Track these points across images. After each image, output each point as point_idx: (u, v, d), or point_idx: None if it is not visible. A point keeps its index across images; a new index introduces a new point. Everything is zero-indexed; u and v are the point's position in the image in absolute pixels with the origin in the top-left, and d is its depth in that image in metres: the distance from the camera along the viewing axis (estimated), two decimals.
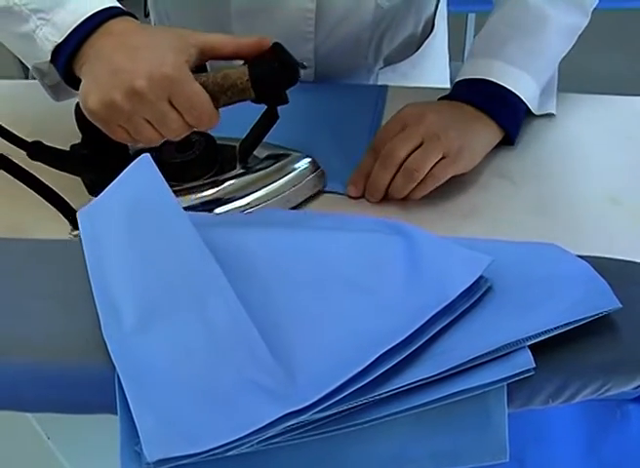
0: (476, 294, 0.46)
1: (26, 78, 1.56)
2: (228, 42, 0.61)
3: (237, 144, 0.70)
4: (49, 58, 0.62)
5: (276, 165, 0.69)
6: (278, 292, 0.48)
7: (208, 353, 0.45)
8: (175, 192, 0.66)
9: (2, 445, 0.72)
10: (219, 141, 0.69)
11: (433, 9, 0.96)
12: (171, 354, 0.45)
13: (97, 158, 0.65)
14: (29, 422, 0.66)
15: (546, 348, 0.46)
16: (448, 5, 1.00)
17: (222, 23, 0.84)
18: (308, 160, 0.70)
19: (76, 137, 0.68)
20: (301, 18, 0.82)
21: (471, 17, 1.92)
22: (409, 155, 0.70)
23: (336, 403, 0.42)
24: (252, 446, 0.42)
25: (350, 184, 0.73)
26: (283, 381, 0.43)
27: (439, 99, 0.79)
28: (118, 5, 0.63)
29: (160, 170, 0.68)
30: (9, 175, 0.62)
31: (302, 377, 0.43)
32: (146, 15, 1.72)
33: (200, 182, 0.67)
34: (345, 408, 0.43)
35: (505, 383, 0.45)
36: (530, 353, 0.45)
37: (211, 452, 0.41)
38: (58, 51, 0.61)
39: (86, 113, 0.59)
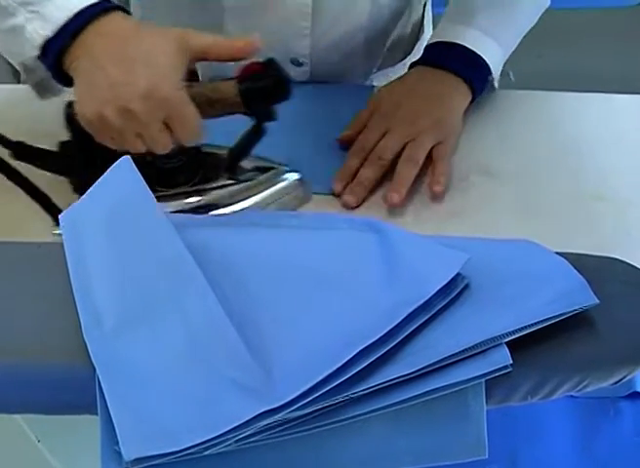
0: (453, 292, 0.47)
1: (18, 83, 1.57)
2: (222, 45, 0.60)
3: (223, 152, 0.70)
4: (38, 52, 0.60)
5: (261, 177, 0.70)
6: (256, 291, 0.48)
7: (186, 353, 0.45)
8: (161, 197, 0.66)
9: None
10: (206, 149, 0.69)
11: (421, 11, 0.97)
12: (150, 354, 0.46)
13: (84, 157, 0.65)
14: (19, 425, 0.66)
15: (524, 345, 0.46)
16: (434, 7, 1.00)
17: (215, 19, 0.83)
18: (295, 175, 0.71)
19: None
20: (298, 12, 0.82)
21: None
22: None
23: (313, 401, 0.43)
24: (229, 444, 0.42)
25: (336, 181, 0.73)
26: (260, 379, 0.43)
27: (413, 64, 0.82)
28: None
29: (147, 174, 0.69)
30: None
31: (280, 376, 0.44)
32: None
33: (185, 189, 0.68)
34: (323, 406, 0.43)
35: (483, 380, 0.45)
36: (507, 350, 0.45)
37: (188, 451, 0.41)
38: (47, 46, 0.60)
39: (80, 119, 0.59)
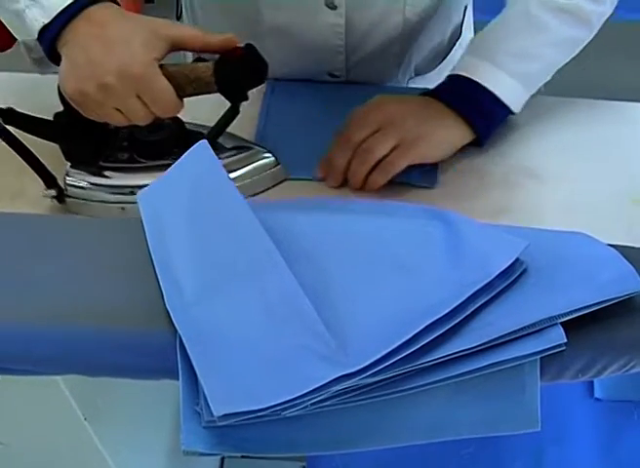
0: (513, 275, 0.50)
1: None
2: (197, 38, 0.66)
3: (204, 131, 0.74)
4: (36, 36, 0.67)
5: (239, 156, 0.74)
6: (329, 269, 0.52)
7: (265, 323, 0.49)
8: (142, 168, 0.72)
9: (41, 423, 0.75)
10: (190, 127, 0.74)
11: (461, 18, 1.00)
12: (230, 323, 0.49)
13: (76, 127, 0.70)
14: (69, 403, 0.69)
15: (577, 326, 0.49)
16: (476, 12, 1.02)
17: (256, 38, 0.88)
18: (269, 156, 0.75)
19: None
20: (331, 32, 0.86)
21: None
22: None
23: (384, 369, 0.46)
24: (306, 407, 0.46)
25: (317, 167, 0.76)
26: (335, 349, 0.47)
27: (420, 94, 0.80)
28: None
29: (130, 145, 0.74)
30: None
31: (353, 346, 0.47)
32: (178, 17, 1.76)
33: (167, 161, 0.70)
34: (392, 374, 0.47)
35: (539, 357, 0.49)
36: (562, 329, 0.48)
37: (270, 410, 0.45)
38: (43, 31, 0.67)
39: (64, 95, 0.66)
